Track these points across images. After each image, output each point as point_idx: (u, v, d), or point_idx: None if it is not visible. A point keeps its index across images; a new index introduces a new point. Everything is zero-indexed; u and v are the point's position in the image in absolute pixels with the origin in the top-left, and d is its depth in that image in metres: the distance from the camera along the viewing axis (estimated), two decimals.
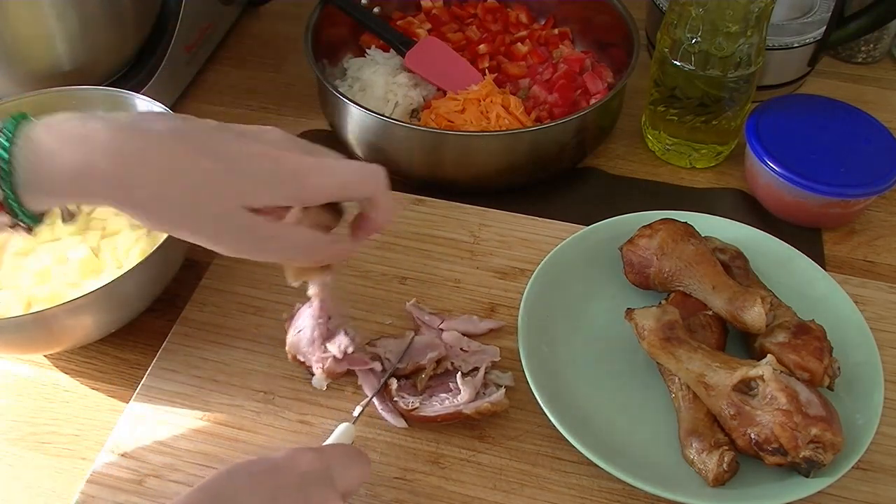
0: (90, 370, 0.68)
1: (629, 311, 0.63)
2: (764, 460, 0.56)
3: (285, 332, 0.64)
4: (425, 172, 0.81)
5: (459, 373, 0.63)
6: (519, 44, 0.93)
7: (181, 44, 0.88)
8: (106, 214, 0.71)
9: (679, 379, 0.61)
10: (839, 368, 0.59)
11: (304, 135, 0.91)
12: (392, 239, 0.75)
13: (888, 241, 0.79)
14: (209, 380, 0.65)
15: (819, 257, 0.76)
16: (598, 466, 0.57)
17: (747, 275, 0.67)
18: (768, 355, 0.58)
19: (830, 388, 0.59)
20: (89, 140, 0.45)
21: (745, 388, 0.57)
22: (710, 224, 0.71)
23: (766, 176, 0.78)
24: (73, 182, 0.45)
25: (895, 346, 0.67)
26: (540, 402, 0.59)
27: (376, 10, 0.95)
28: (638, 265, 0.67)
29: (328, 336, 0.62)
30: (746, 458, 0.57)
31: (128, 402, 0.64)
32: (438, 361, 0.64)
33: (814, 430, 0.54)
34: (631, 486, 0.56)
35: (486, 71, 0.89)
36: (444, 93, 0.87)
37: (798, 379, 0.57)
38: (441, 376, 0.64)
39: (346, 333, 0.62)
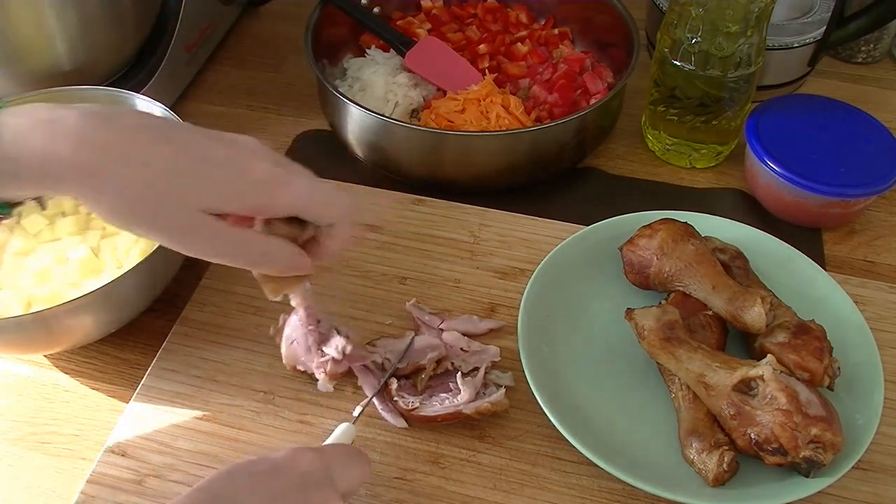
0: (90, 370, 0.68)
1: (629, 311, 0.63)
2: (764, 460, 0.56)
3: (278, 346, 0.64)
4: (425, 172, 0.81)
5: (459, 373, 0.63)
6: (519, 44, 0.93)
7: (181, 44, 0.88)
8: None
9: (679, 379, 0.61)
10: (839, 368, 0.59)
11: (304, 135, 0.92)
12: (392, 239, 0.75)
13: (888, 241, 0.79)
14: (209, 380, 0.65)
15: (819, 257, 0.76)
16: (598, 466, 0.57)
17: (747, 275, 0.67)
18: (768, 355, 0.58)
19: (830, 388, 0.59)
20: (56, 124, 0.44)
21: (745, 388, 0.57)
22: (710, 224, 0.72)
23: (766, 176, 0.78)
24: (39, 168, 0.44)
25: (895, 346, 0.67)
26: (540, 402, 0.59)
27: (376, 10, 0.95)
28: (638, 265, 0.67)
29: (322, 340, 0.62)
30: (746, 458, 0.57)
31: (128, 402, 0.64)
32: (438, 361, 0.64)
33: (814, 430, 0.54)
34: (631, 486, 0.56)
35: (486, 71, 0.89)
36: (444, 93, 0.87)
37: (798, 379, 0.57)
38: (441, 376, 0.64)
39: (340, 333, 0.62)
